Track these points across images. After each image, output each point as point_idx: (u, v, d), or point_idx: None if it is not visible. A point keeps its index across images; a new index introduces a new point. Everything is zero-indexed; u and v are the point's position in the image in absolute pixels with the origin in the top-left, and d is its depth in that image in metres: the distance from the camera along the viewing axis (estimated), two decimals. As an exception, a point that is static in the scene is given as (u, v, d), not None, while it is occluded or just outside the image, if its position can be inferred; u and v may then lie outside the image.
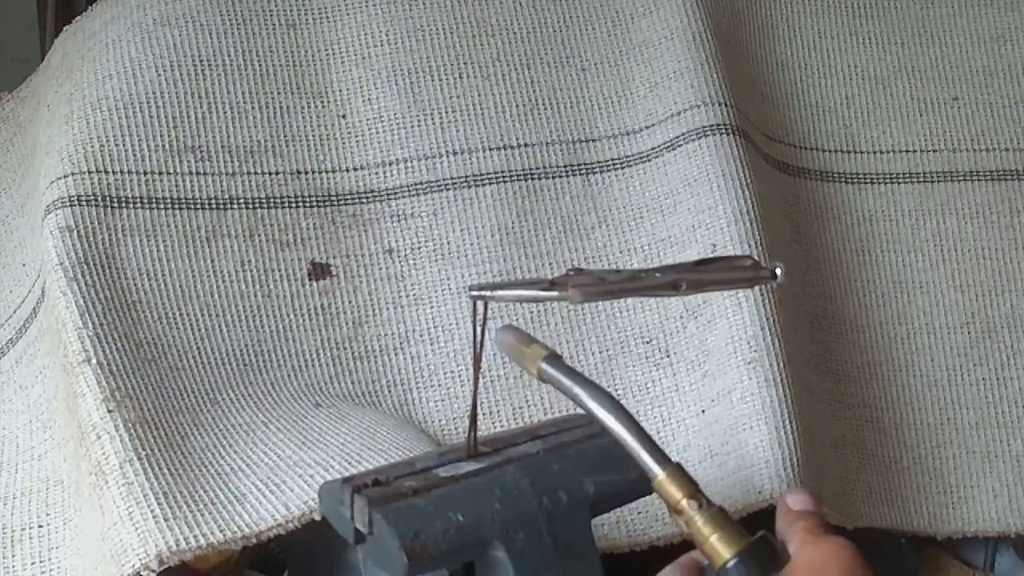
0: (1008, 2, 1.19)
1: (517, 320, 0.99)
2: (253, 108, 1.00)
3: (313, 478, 0.81)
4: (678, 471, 0.60)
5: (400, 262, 1.00)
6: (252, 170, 0.99)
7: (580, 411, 0.92)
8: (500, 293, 0.66)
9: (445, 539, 0.63)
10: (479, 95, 1.05)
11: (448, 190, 1.01)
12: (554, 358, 0.63)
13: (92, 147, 0.95)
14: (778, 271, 0.65)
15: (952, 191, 1.12)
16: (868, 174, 1.12)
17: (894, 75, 1.16)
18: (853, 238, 1.11)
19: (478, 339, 0.67)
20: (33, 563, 0.87)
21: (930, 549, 1.06)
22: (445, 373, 0.98)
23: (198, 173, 0.97)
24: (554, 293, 0.63)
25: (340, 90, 1.03)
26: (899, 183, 1.12)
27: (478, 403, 0.69)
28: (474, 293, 0.66)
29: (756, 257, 0.98)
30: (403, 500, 0.64)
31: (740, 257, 0.66)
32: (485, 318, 0.67)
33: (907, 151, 1.14)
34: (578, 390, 0.61)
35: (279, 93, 1.02)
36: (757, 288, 0.97)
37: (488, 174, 1.02)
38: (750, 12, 1.16)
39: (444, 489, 0.65)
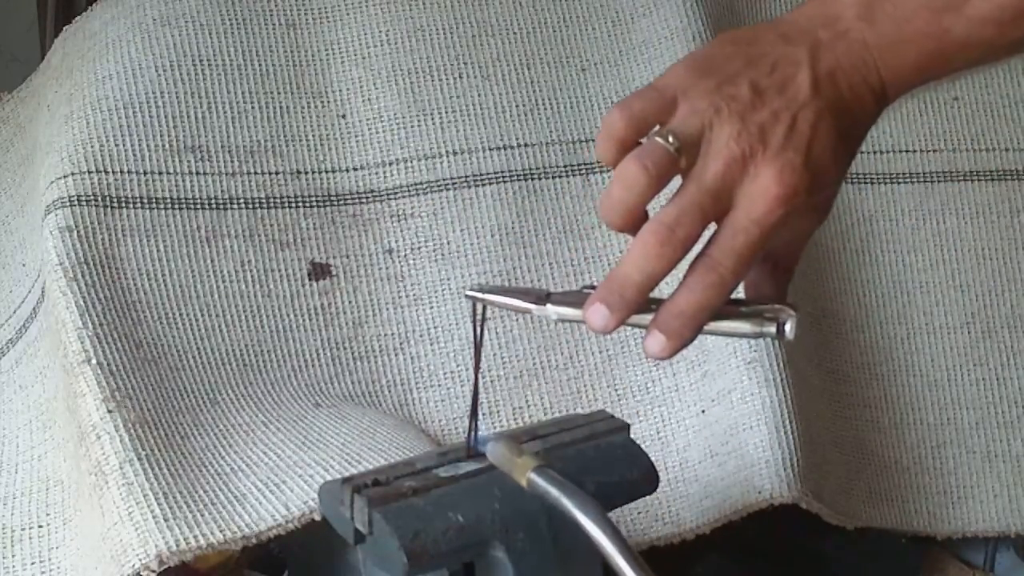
0: (1008, 2, 1.19)
1: (517, 320, 0.99)
2: (253, 108, 1.00)
3: (313, 478, 0.81)
4: None
5: (400, 262, 1.00)
6: (252, 170, 0.99)
7: (580, 411, 0.92)
8: (491, 298, 0.66)
9: (445, 539, 0.63)
10: (479, 95, 1.05)
11: (448, 190, 1.01)
12: (542, 469, 0.62)
13: (92, 147, 0.95)
14: (788, 327, 0.61)
15: (952, 191, 1.12)
16: (868, 174, 1.12)
17: (894, 75, 1.16)
18: (853, 238, 1.11)
19: (478, 339, 0.67)
20: (33, 563, 0.87)
21: (930, 549, 1.06)
22: (445, 373, 0.98)
23: (198, 173, 0.97)
24: (532, 307, 0.62)
25: (340, 90, 1.03)
26: (899, 183, 1.12)
27: (478, 403, 0.69)
28: (470, 293, 0.66)
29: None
30: (403, 500, 0.64)
31: (765, 304, 0.63)
32: (484, 318, 0.67)
33: (907, 151, 1.14)
34: (566, 501, 0.60)
35: (279, 93, 1.02)
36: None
37: (488, 174, 1.02)
38: (750, 12, 1.16)
39: (444, 489, 0.65)
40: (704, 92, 0.59)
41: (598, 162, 1.05)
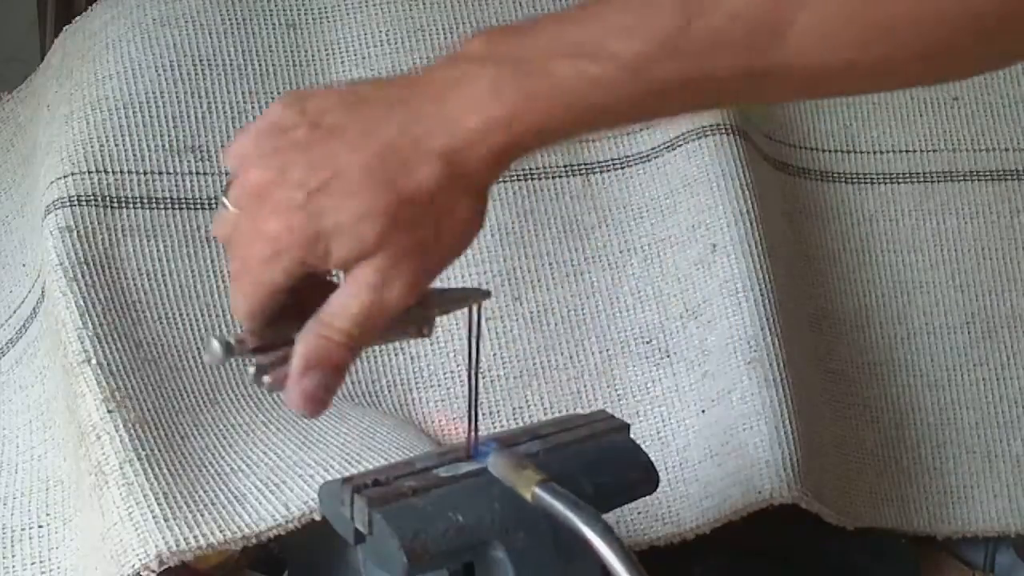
0: (1008, 2, 1.19)
1: (517, 320, 0.99)
2: (253, 108, 1.00)
3: (313, 478, 0.81)
4: None
5: (400, 262, 1.00)
6: (252, 170, 0.98)
7: (580, 411, 0.92)
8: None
9: (445, 539, 0.63)
10: (479, 95, 1.04)
11: (448, 190, 1.01)
12: (547, 484, 0.62)
13: (92, 147, 0.95)
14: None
15: (952, 191, 1.12)
16: (868, 174, 1.12)
17: (894, 75, 1.16)
18: (853, 238, 1.11)
19: (473, 341, 0.68)
20: (33, 563, 0.87)
21: (930, 549, 1.06)
22: (445, 373, 0.98)
23: (198, 173, 0.97)
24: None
25: (340, 90, 1.03)
26: (899, 183, 1.12)
27: (478, 403, 0.69)
28: None
29: (756, 258, 0.98)
30: (403, 500, 0.64)
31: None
32: (480, 320, 0.67)
33: (907, 151, 1.13)
34: (571, 515, 0.60)
35: (279, 93, 1.02)
36: (757, 288, 0.97)
37: (488, 174, 1.02)
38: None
39: (444, 489, 0.65)
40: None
41: (596, 162, 1.05)
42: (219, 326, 0.93)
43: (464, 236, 0.57)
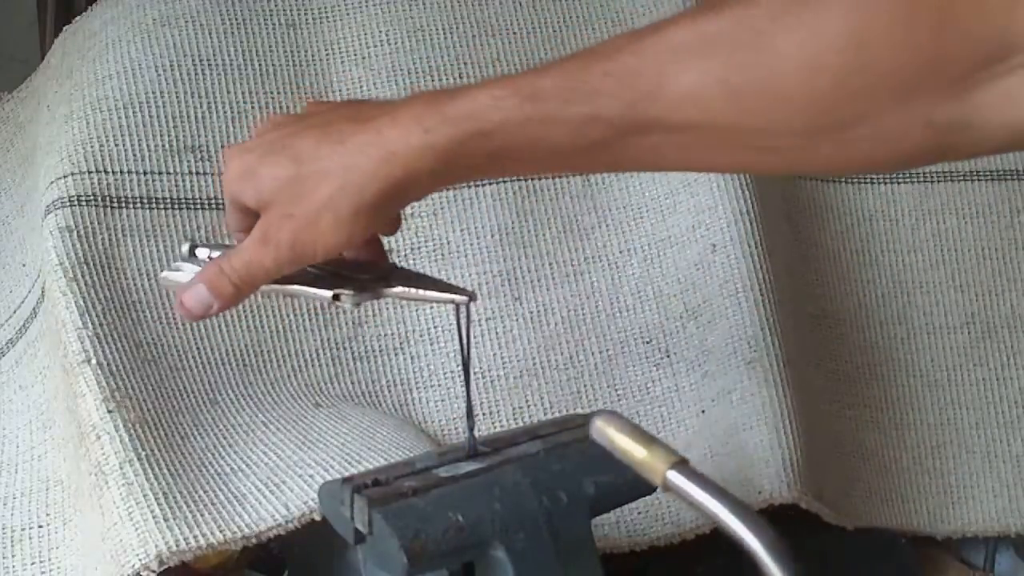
0: (1008, 2, 1.19)
1: (516, 319, 0.99)
2: (253, 108, 1.00)
3: (313, 478, 0.81)
4: None
5: (400, 262, 1.00)
6: (252, 170, 0.98)
7: (580, 411, 0.92)
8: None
9: (445, 539, 0.63)
10: (479, 95, 1.04)
11: (448, 190, 1.01)
12: (683, 466, 0.55)
13: (92, 147, 0.95)
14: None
15: (952, 191, 1.12)
16: (868, 174, 1.12)
17: (894, 75, 1.16)
18: (853, 238, 1.11)
19: (465, 341, 0.68)
20: (33, 563, 0.87)
21: (930, 549, 1.06)
22: (445, 373, 0.98)
23: (198, 173, 0.97)
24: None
25: (340, 90, 1.03)
26: (899, 183, 1.12)
27: (477, 403, 0.69)
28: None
29: (756, 258, 0.98)
30: (403, 500, 0.64)
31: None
32: (468, 320, 0.68)
33: (907, 151, 1.13)
34: (717, 505, 0.53)
35: (279, 93, 1.02)
36: (757, 288, 0.97)
37: (488, 174, 1.02)
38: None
39: (444, 489, 0.65)
40: None
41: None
42: (219, 326, 0.94)
43: (330, 240, 0.64)
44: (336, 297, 0.66)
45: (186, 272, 0.69)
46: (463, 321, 0.68)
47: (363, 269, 0.69)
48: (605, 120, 0.59)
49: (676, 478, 0.55)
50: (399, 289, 0.68)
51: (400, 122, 0.62)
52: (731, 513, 0.53)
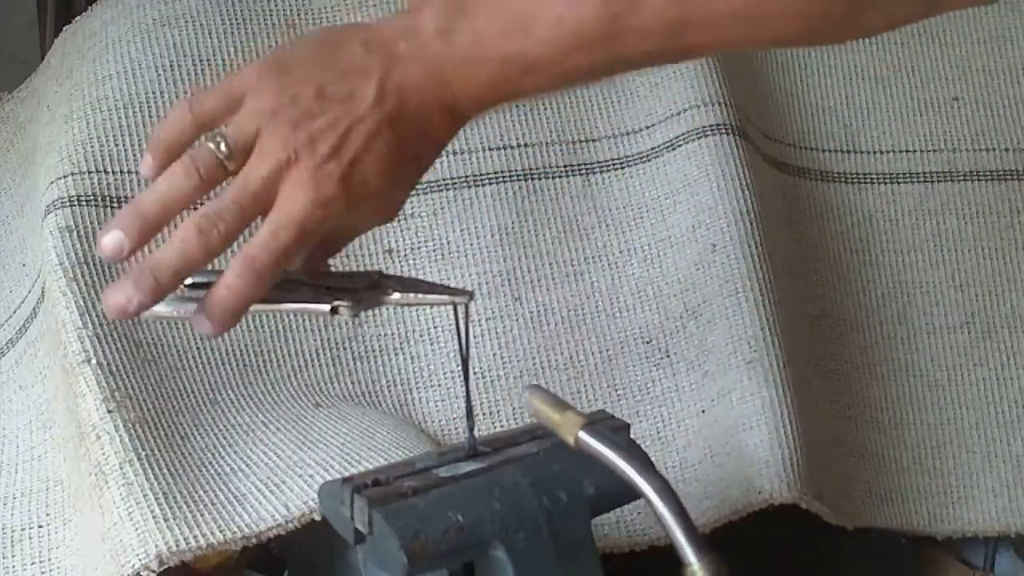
0: (1008, 3, 1.19)
1: (516, 319, 0.99)
2: (253, 108, 1.00)
3: (313, 478, 0.81)
4: (714, 567, 0.59)
5: (400, 262, 1.00)
6: (252, 170, 0.98)
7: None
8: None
9: (445, 539, 0.63)
10: (479, 95, 1.04)
11: (448, 190, 1.01)
12: (592, 427, 0.63)
13: (92, 147, 0.95)
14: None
15: (952, 191, 1.12)
16: (868, 174, 1.12)
17: (894, 75, 1.16)
18: (853, 238, 1.11)
19: (463, 340, 0.68)
20: (33, 563, 0.87)
21: (930, 549, 1.06)
22: (445, 373, 0.98)
23: (198, 173, 0.97)
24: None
25: (340, 90, 1.03)
26: (899, 183, 1.12)
27: (477, 403, 0.69)
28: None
29: (756, 258, 0.98)
30: (403, 500, 0.64)
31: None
32: (467, 320, 0.68)
33: (907, 151, 1.14)
34: (620, 462, 0.61)
35: (279, 93, 1.02)
36: (757, 288, 0.97)
37: (488, 174, 1.02)
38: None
39: (444, 489, 0.65)
40: (270, 92, 0.61)
41: (596, 162, 1.05)
42: (219, 326, 0.93)
43: (383, 169, 0.62)
44: (334, 310, 0.65)
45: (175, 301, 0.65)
46: (462, 321, 0.68)
47: (351, 280, 0.69)
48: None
49: (586, 437, 0.62)
50: (397, 296, 0.68)
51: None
52: (628, 465, 0.61)
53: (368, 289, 0.68)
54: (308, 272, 0.69)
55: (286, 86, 0.61)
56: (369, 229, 0.71)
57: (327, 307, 0.65)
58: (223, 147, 0.61)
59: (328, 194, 0.60)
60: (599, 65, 0.61)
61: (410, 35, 0.62)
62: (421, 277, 1.00)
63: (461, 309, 0.68)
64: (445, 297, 0.68)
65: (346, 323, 0.98)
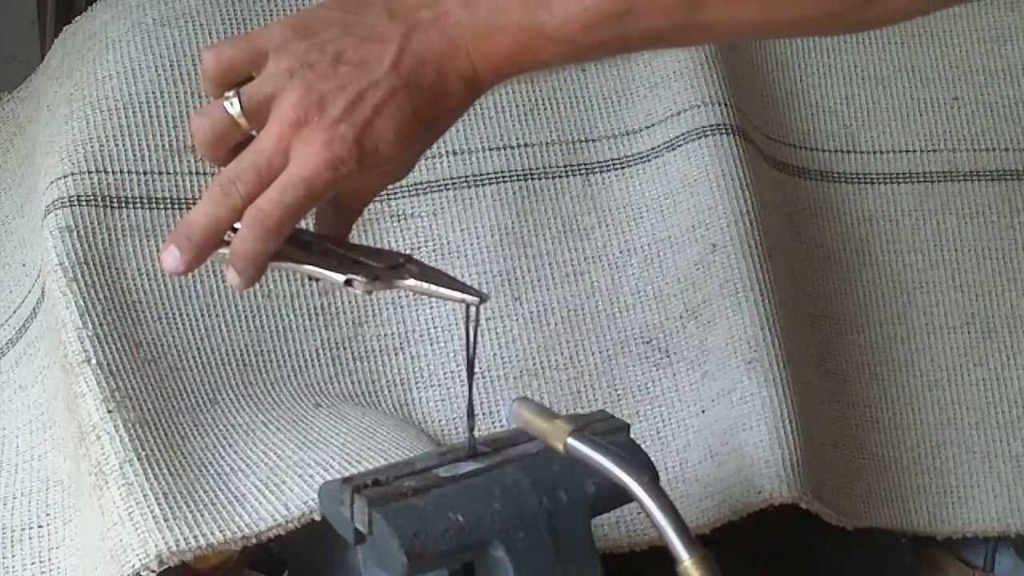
0: (1008, 2, 1.19)
1: (516, 319, 0.99)
2: (253, 108, 1.00)
3: (313, 478, 0.81)
4: (705, 561, 0.59)
5: (400, 262, 1.00)
6: (252, 170, 0.98)
7: (580, 411, 0.92)
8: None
9: (445, 539, 0.63)
10: (479, 95, 1.04)
11: (448, 190, 1.01)
12: (580, 433, 0.64)
13: (92, 147, 0.95)
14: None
15: (952, 191, 1.12)
16: (868, 174, 1.12)
17: (894, 75, 1.16)
18: (853, 238, 1.11)
19: (470, 340, 0.68)
20: (33, 563, 0.87)
21: (930, 549, 1.06)
22: (445, 373, 0.98)
23: (198, 173, 0.97)
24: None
25: (340, 90, 1.03)
26: (899, 183, 1.12)
27: (477, 403, 0.69)
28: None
29: (756, 258, 0.98)
30: (403, 500, 0.64)
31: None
32: (478, 320, 0.68)
33: (907, 151, 1.14)
34: (612, 466, 0.62)
35: (279, 93, 1.02)
36: (757, 288, 0.97)
37: (488, 174, 1.02)
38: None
39: (444, 489, 0.65)
40: (290, 53, 0.62)
41: (596, 162, 1.05)
42: (219, 326, 0.93)
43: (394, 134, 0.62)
44: (348, 283, 0.66)
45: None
46: (471, 322, 0.68)
47: (377, 257, 0.69)
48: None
49: (575, 443, 0.63)
50: (412, 282, 0.67)
51: None
52: (617, 467, 0.62)
53: (388, 270, 0.67)
54: (335, 239, 0.69)
55: (307, 49, 0.62)
56: (381, 190, 0.71)
57: (342, 278, 0.66)
58: (236, 105, 0.62)
59: (339, 155, 0.61)
60: (616, 39, 0.62)
61: (432, 3, 0.63)
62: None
63: (472, 310, 0.68)
64: (457, 294, 0.68)
65: (346, 323, 0.98)
